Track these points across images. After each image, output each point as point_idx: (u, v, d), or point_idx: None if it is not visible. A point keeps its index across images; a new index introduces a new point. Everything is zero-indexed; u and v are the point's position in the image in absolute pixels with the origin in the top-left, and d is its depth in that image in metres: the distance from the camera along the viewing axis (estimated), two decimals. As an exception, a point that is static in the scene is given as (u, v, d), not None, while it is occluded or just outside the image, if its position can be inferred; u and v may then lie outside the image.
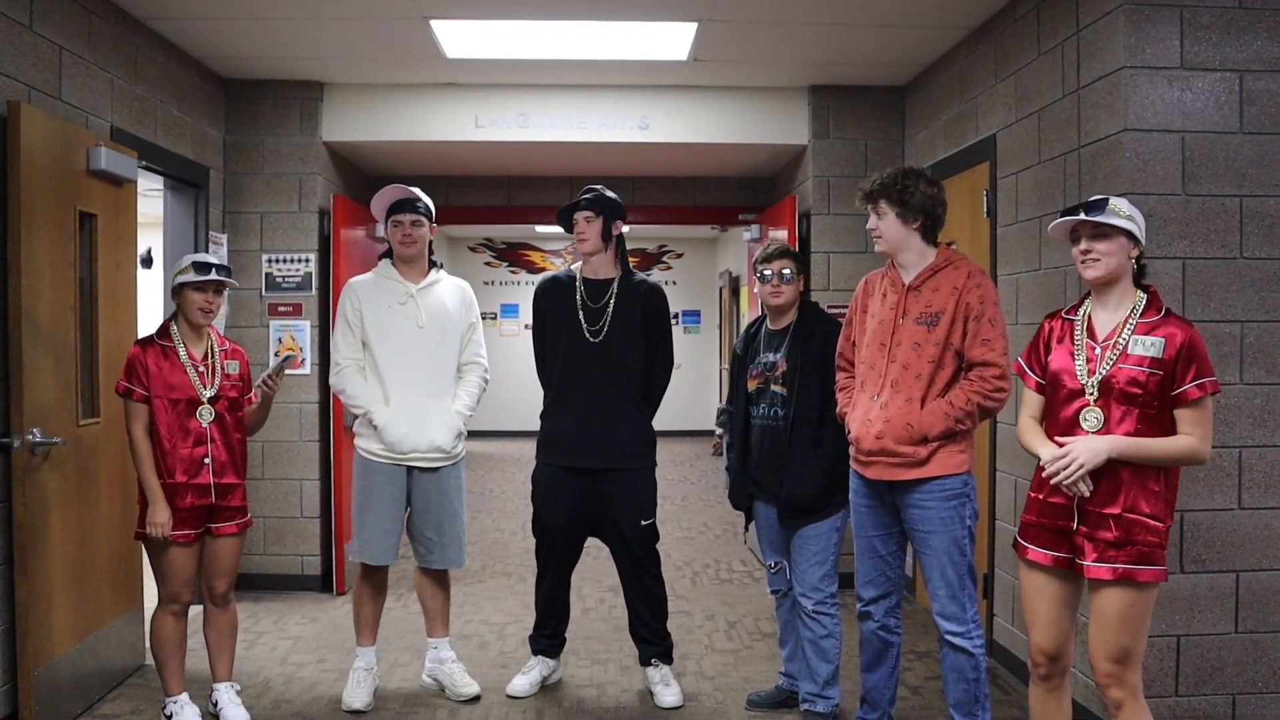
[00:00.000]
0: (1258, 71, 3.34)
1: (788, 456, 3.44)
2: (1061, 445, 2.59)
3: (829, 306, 5.31)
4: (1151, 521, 2.52)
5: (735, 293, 11.26)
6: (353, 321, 3.78)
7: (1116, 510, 2.53)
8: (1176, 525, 3.32)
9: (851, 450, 3.22)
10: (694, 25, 4.55)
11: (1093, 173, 3.50)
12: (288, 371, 5.26)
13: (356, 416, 3.80)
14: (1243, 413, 3.35)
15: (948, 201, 3.20)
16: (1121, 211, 2.61)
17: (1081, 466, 2.52)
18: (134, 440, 3.36)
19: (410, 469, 3.76)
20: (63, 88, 3.77)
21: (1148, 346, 2.53)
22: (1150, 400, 2.52)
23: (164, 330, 3.45)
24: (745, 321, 7.87)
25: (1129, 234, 2.59)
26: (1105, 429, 2.56)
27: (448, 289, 3.89)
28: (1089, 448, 2.53)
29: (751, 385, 3.62)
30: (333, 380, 3.83)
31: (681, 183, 6.96)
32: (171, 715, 3.46)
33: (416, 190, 3.84)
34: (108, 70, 4.11)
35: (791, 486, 3.41)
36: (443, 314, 3.82)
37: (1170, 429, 2.53)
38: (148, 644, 3.70)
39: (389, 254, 3.88)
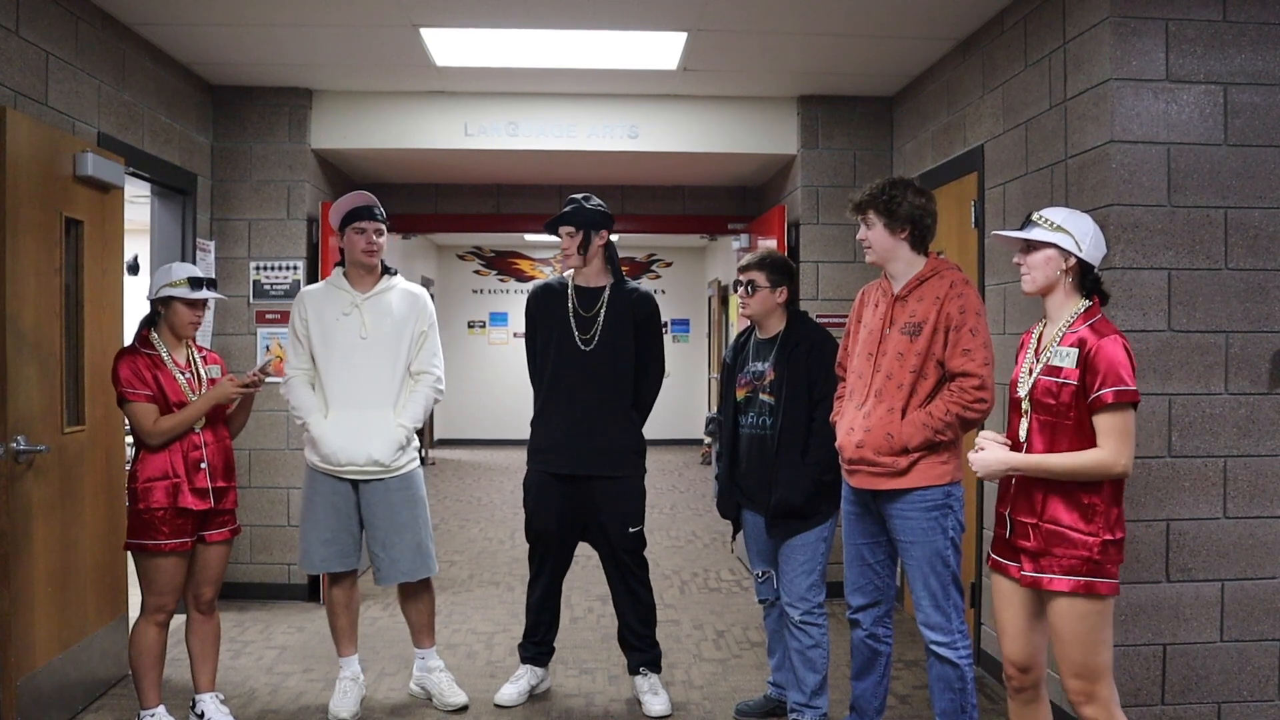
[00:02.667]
0: (1242, 84, 3.37)
1: (775, 465, 3.44)
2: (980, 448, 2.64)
3: (818, 316, 5.32)
4: (1074, 534, 2.48)
5: (724, 302, 11.27)
6: (300, 333, 3.75)
7: (1033, 520, 2.55)
8: (1161, 534, 3.34)
9: (839, 458, 3.23)
10: (683, 35, 4.56)
11: (1079, 184, 3.52)
12: (274, 379, 5.24)
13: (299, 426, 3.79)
14: (1227, 423, 3.37)
15: (937, 212, 3.20)
16: (1050, 223, 2.59)
17: (976, 471, 2.62)
18: (164, 426, 3.32)
19: (355, 482, 3.72)
20: (49, 93, 3.76)
21: (1063, 357, 2.53)
22: (1064, 410, 2.51)
23: (144, 339, 3.43)
24: (734, 331, 7.87)
25: (1058, 246, 2.57)
26: (1028, 440, 2.59)
27: (398, 296, 3.81)
28: (984, 462, 2.60)
29: (740, 394, 3.62)
30: (281, 390, 3.83)
31: (671, 191, 6.98)
32: (149, 728, 3.43)
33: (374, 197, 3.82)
34: (95, 76, 4.10)
35: (780, 494, 3.41)
36: (389, 323, 3.75)
37: (1095, 440, 2.49)
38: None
39: (341, 263, 3.83)
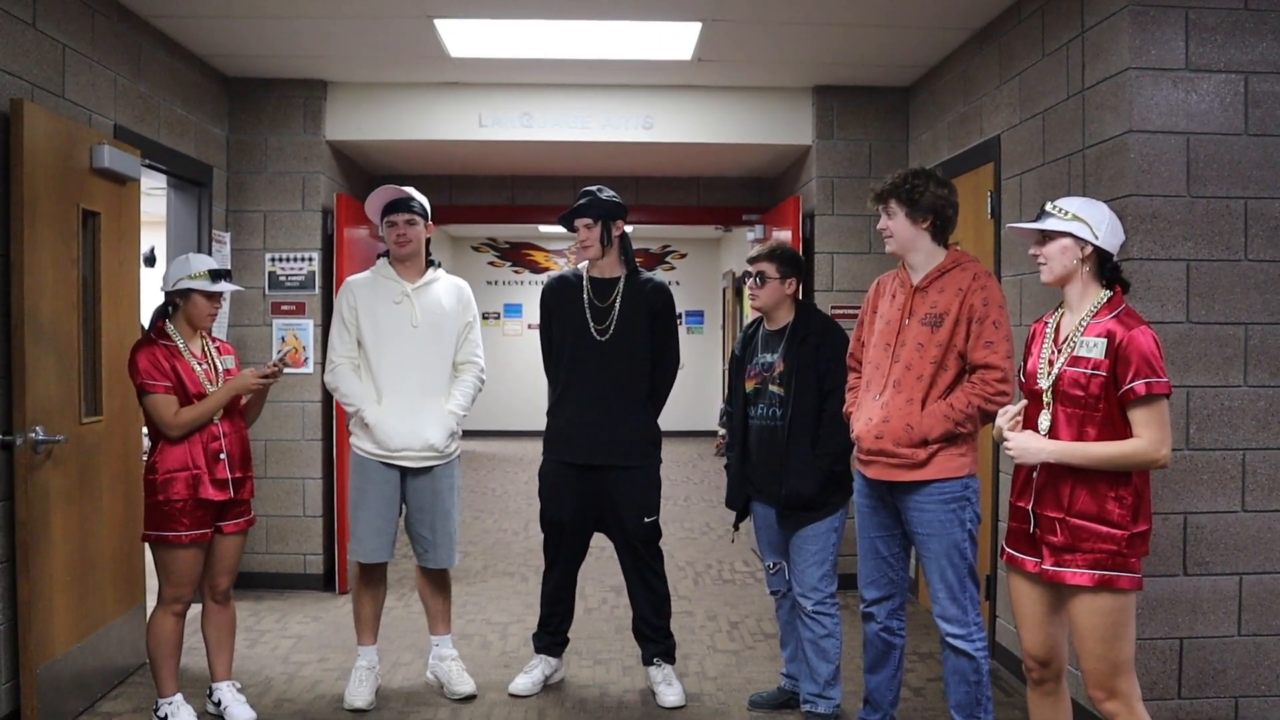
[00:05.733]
0: (1263, 73, 3.33)
1: (785, 456, 3.44)
2: (1015, 434, 2.57)
3: (832, 307, 5.31)
4: (1103, 527, 2.45)
5: (739, 293, 11.25)
6: (348, 320, 3.78)
7: (1060, 514, 2.51)
8: (1179, 528, 3.32)
9: (855, 449, 3.22)
10: (698, 25, 4.54)
11: (1097, 174, 3.49)
12: (292, 370, 5.28)
13: (350, 414, 3.80)
14: (1246, 415, 3.34)
15: (959, 203, 3.17)
16: (1065, 212, 2.57)
17: (1015, 458, 2.56)
18: (186, 418, 3.34)
19: (404, 468, 3.76)
20: (66, 86, 3.78)
21: (1090, 347, 2.49)
22: (1093, 402, 2.47)
23: (160, 330, 3.45)
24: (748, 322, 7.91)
25: (1074, 235, 2.55)
26: (1053, 432, 2.54)
27: (444, 288, 3.88)
28: (1025, 448, 2.53)
29: (749, 386, 3.62)
30: (327, 378, 3.83)
31: (685, 183, 6.96)
32: (166, 716, 3.45)
33: (410, 189, 3.84)
34: (111, 68, 4.12)
35: (790, 484, 3.41)
36: (438, 313, 3.81)
37: (1124, 432, 2.46)
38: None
39: (388, 253, 3.88)
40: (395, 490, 3.77)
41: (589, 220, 3.79)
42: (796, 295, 3.60)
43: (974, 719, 3.06)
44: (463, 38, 4.75)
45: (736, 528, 3.92)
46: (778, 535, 3.58)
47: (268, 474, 5.39)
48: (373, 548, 3.74)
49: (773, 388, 3.52)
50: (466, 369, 3.89)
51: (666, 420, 3.98)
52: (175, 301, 3.45)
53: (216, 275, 3.43)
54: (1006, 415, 2.62)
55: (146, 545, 3.48)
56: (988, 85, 4.44)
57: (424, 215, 3.84)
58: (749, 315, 4.05)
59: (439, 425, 3.75)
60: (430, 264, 3.90)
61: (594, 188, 3.85)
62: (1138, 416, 2.44)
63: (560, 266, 13.09)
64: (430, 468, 3.77)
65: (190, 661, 4.06)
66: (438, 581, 3.93)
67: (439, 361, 3.81)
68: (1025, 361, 2.71)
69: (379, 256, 3.91)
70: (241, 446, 3.51)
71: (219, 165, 5.26)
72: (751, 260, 3.60)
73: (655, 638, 3.89)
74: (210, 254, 4.98)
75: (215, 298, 3.45)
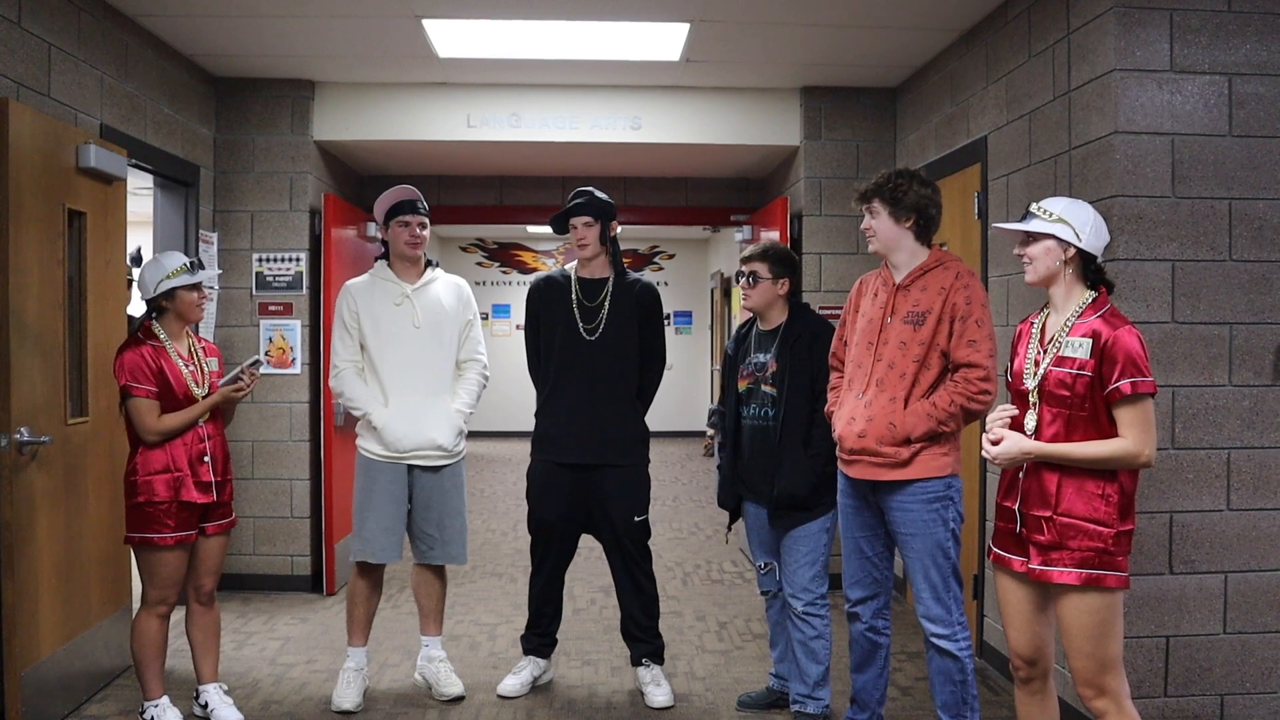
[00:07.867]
0: (1246, 74, 3.35)
1: (778, 456, 3.44)
2: (998, 438, 2.58)
3: (820, 307, 5.32)
4: (1090, 525, 2.46)
5: (727, 294, 11.27)
6: (350, 324, 3.79)
7: (1047, 513, 2.51)
8: (1165, 526, 3.34)
9: (837, 449, 3.22)
10: (686, 26, 4.55)
11: (1083, 175, 3.51)
12: (278, 371, 5.27)
13: (357, 417, 3.80)
14: (1231, 414, 3.36)
15: (942, 204, 3.19)
16: (1049, 214, 2.58)
17: (995, 460, 2.57)
18: (166, 425, 3.32)
19: (411, 467, 3.77)
20: (52, 85, 3.76)
21: (1075, 348, 2.50)
22: (1078, 402, 2.49)
23: (147, 330, 3.43)
24: (737, 323, 7.92)
25: (1057, 237, 2.56)
26: (1039, 432, 2.55)
27: (444, 287, 3.90)
28: (1004, 450, 2.55)
29: (742, 385, 3.62)
30: (332, 383, 3.85)
31: (673, 183, 6.96)
32: (152, 719, 3.43)
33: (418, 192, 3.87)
34: (97, 67, 4.10)
35: (783, 484, 3.41)
36: (439, 313, 3.83)
37: (1110, 432, 2.47)
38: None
39: (384, 256, 3.88)
40: (403, 489, 3.78)
41: (589, 219, 3.79)
42: (789, 295, 3.61)
43: (960, 718, 3.07)
44: (451, 38, 4.74)
45: (730, 529, 3.92)
46: (769, 535, 3.58)
47: (255, 475, 5.37)
48: (382, 547, 3.75)
49: (765, 388, 3.53)
50: (469, 367, 3.92)
51: (654, 421, 3.99)
52: (161, 305, 3.43)
53: (192, 266, 3.43)
54: (1004, 415, 2.63)
55: (132, 551, 3.46)
56: (975, 86, 4.46)
57: (430, 218, 3.88)
58: (738, 316, 4.06)
59: (446, 425, 3.79)
60: (428, 264, 3.92)
61: (587, 188, 3.86)
62: (1123, 416, 2.45)
63: (549, 267, 13.08)
64: (439, 467, 3.79)
65: (177, 664, 4.04)
66: (436, 579, 3.93)
67: (442, 361, 3.83)
68: (1011, 362, 2.72)
69: (377, 259, 3.92)
70: (223, 448, 3.52)
71: (206, 165, 5.24)
72: (744, 260, 3.60)
73: (644, 638, 3.89)
74: (197, 254, 4.97)
75: (199, 286, 3.44)
